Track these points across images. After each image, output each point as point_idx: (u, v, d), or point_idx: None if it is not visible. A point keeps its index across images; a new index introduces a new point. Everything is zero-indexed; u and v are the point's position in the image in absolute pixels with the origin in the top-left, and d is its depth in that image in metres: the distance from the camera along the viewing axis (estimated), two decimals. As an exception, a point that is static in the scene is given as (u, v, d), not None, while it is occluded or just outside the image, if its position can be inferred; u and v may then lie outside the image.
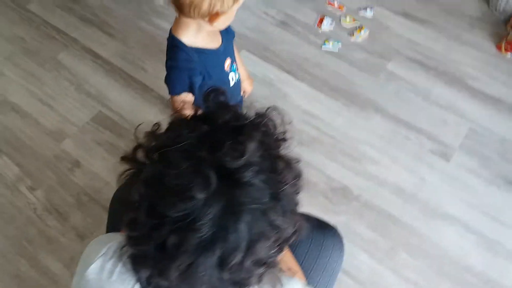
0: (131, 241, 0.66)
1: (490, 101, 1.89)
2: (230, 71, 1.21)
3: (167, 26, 2.04)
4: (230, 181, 0.61)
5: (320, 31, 2.12)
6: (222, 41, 1.16)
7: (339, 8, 2.20)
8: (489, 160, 1.71)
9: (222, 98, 0.74)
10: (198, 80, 1.09)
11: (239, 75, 1.27)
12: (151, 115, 1.82)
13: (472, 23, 2.15)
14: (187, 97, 1.11)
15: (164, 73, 1.15)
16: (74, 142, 1.75)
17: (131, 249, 0.67)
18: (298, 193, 0.73)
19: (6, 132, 1.78)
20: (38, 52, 2.02)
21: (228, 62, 1.19)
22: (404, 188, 1.65)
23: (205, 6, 0.97)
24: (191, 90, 1.10)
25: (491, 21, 2.16)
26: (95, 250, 0.77)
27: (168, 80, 1.11)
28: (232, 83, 1.22)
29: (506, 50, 2.02)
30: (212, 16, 1.00)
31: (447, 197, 1.63)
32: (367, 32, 2.11)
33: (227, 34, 1.17)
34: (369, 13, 2.19)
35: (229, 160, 0.61)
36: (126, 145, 1.71)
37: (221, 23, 1.04)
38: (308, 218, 1.25)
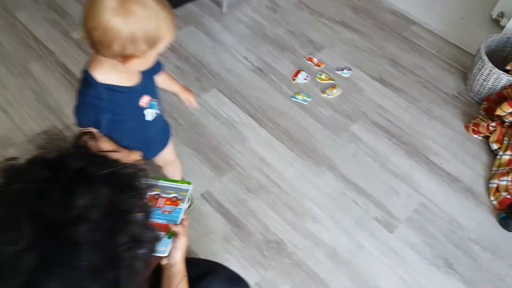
0: None
1: (448, 179, 1.84)
2: (147, 108, 1.14)
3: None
4: (52, 236, 0.55)
5: (293, 83, 2.13)
6: (142, 78, 1.09)
7: (318, 64, 2.23)
8: (433, 238, 1.65)
9: (87, 143, 0.68)
10: (104, 118, 1.04)
11: (160, 110, 1.21)
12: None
13: (446, 100, 2.16)
14: (93, 131, 1.05)
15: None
16: (18, 152, 1.72)
17: None
18: (147, 262, 0.64)
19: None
20: (11, 58, 2.05)
21: (145, 99, 1.12)
22: (340, 252, 1.58)
23: (115, 47, 0.91)
24: (96, 125, 1.05)
25: (465, 100, 2.16)
26: None
27: (76, 113, 1.05)
28: (150, 118, 1.16)
29: (473, 131, 2.00)
30: (125, 57, 0.95)
31: (382, 269, 1.55)
32: (339, 92, 2.12)
33: (149, 70, 1.07)
34: (345, 74, 2.20)
35: (53, 213, 0.55)
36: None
37: (137, 65, 0.98)
38: (222, 269, 1.19)
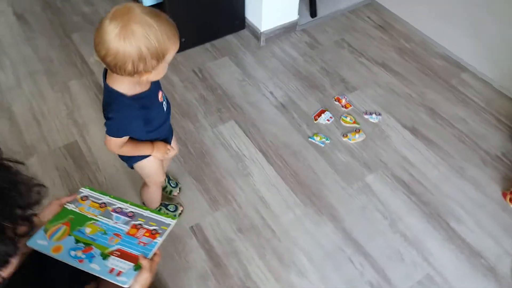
0: None
1: (467, 251, 1.61)
2: (163, 101, 1.30)
3: (177, 81, 2.17)
4: None
5: (314, 123, 2.05)
6: (152, 83, 1.22)
7: (345, 106, 2.12)
8: (433, 319, 1.44)
9: None
10: (139, 124, 1.22)
11: (166, 99, 1.35)
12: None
13: (486, 160, 1.91)
14: (125, 139, 1.24)
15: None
16: (38, 160, 1.86)
17: None
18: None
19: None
20: (56, 74, 2.24)
21: (160, 94, 1.28)
22: (319, 315, 1.45)
23: (129, 67, 1.02)
24: (129, 133, 1.22)
25: (510, 164, 1.90)
26: None
27: (111, 127, 1.18)
28: (165, 109, 1.32)
29: (511, 201, 1.74)
30: (140, 73, 1.05)
31: None
32: (362, 137, 1.98)
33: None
34: (374, 119, 2.06)
35: None
36: (80, 177, 1.77)
37: (152, 77, 1.10)
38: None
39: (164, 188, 1.74)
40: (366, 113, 2.09)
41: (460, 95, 2.19)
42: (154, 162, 1.42)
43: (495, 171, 1.87)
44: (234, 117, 2.06)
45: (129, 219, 1.30)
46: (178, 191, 1.76)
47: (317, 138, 1.98)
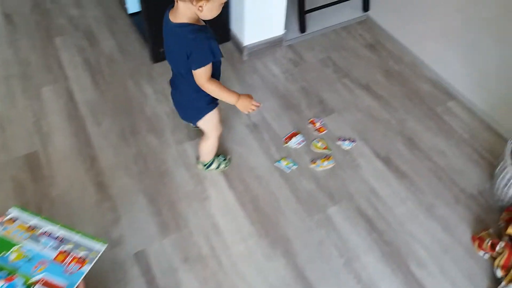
0: None
1: (424, 299, 1.51)
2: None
3: (150, 92, 2.12)
4: None
5: (284, 146, 1.97)
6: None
7: (319, 130, 2.03)
8: None
9: None
10: (217, 44, 1.37)
11: None
12: (80, 171, 1.84)
13: (459, 198, 1.80)
14: (210, 66, 1.38)
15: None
16: (-6, 169, 1.84)
17: None
18: None
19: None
20: (30, 79, 2.22)
21: None
22: None
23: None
24: (215, 54, 1.36)
25: (485, 204, 1.78)
26: None
27: (199, 56, 1.34)
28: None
29: (479, 247, 1.62)
30: (198, 3, 1.24)
31: None
32: (331, 165, 1.89)
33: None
34: (347, 145, 1.97)
35: None
36: (34, 190, 1.74)
37: (207, 13, 1.29)
38: None
39: (217, 168, 1.85)
40: (339, 139, 1.99)
41: (444, 125, 2.07)
42: (217, 115, 1.62)
43: (468, 211, 1.75)
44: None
45: (58, 243, 1.26)
46: (228, 158, 1.89)
47: (284, 163, 1.90)
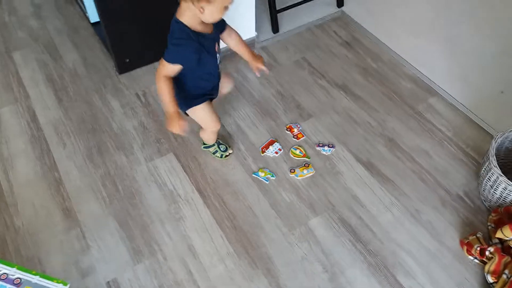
0: None
1: (413, 313, 1.44)
2: (218, 53, 1.50)
3: (117, 106, 2.00)
4: None
5: (261, 156, 1.87)
6: (213, 30, 1.42)
7: (297, 136, 1.94)
8: None
9: None
10: (193, 57, 1.38)
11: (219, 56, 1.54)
12: (45, 196, 1.72)
13: (445, 200, 1.72)
14: (176, 67, 1.39)
15: None
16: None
17: None
18: None
19: None
20: (-12, 100, 2.09)
21: (217, 46, 1.47)
22: None
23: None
24: (183, 63, 1.38)
25: (472, 205, 1.71)
26: None
27: (168, 51, 1.36)
28: (218, 61, 1.54)
29: (467, 252, 1.55)
30: (201, 3, 1.25)
31: None
32: (311, 173, 1.80)
33: (217, 26, 1.45)
34: (326, 151, 1.88)
35: None
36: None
37: (208, 16, 1.31)
38: None
39: (214, 153, 1.84)
40: (318, 145, 1.91)
41: (426, 123, 2.00)
42: (203, 111, 1.59)
43: (454, 214, 1.68)
44: (174, 149, 1.89)
45: (15, 287, 1.16)
46: (230, 152, 1.86)
47: (262, 174, 1.80)
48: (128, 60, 2.16)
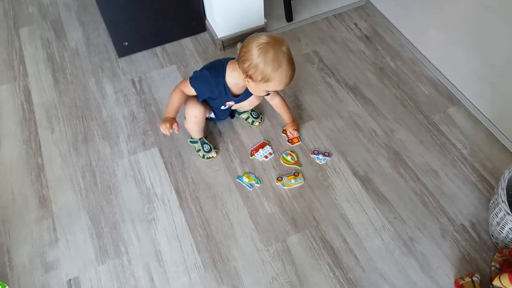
0: None
1: None
2: (226, 107, 1.63)
3: (110, 92, 1.93)
4: None
5: (250, 158, 1.74)
6: (241, 95, 1.56)
7: (292, 140, 1.78)
8: None
9: None
10: (207, 95, 1.52)
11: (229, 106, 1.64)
12: (25, 182, 1.70)
13: (446, 230, 1.52)
14: (193, 90, 1.50)
15: None
16: None
17: None
18: None
19: None
20: (-13, 77, 2.08)
21: (230, 103, 1.59)
22: None
23: (246, 65, 1.35)
24: (198, 92, 1.50)
25: (477, 238, 1.50)
26: None
27: (196, 75, 1.48)
28: (227, 111, 1.71)
29: (461, 293, 1.36)
30: (247, 75, 1.37)
31: None
32: (299, 183, 1.65)
33: (248, 94, 1.57)
34: (320, 160, 1.72)
35: None
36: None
37: (250, 86, 1.44)
38: None
39: (246, 119, 1.84)
40: (313, 152, 1.74)
41: (440, 137, 1.77)
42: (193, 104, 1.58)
43: (454, 248, 1.48)
44: (159, 143, 1.80)
45: None
46: (260, 121, 1.84)
47: (246, 179, 1.67)
48: (126, 43, 2.07)
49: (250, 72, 1.34)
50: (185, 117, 1.66)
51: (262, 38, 1.32)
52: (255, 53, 1.31)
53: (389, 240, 1.51)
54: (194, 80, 1.48)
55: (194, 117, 1.59)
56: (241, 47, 1.36)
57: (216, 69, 1.46)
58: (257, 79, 1.35)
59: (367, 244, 1.50)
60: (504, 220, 1.30)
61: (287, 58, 1.33)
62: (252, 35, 1.36)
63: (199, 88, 1.49)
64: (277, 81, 1.35)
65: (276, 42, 1.32)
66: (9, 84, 2.04)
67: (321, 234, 1.53)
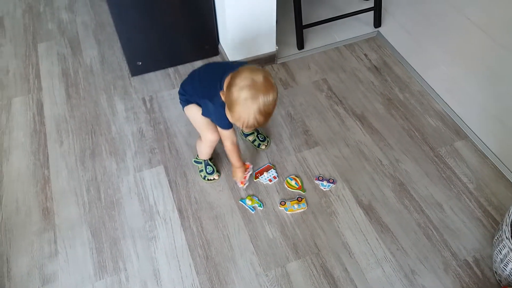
0: None
1: None
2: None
3: (121, 109, 1.96)
4: None
5: (254, 181, 1.74)
6: None
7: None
8: None
9: None
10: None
11: None
12: (30, 193, 1.71)
13: (449, 264, 1.49)
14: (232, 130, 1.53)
15: None
16: None
17: None
18: None
19: None
20: (4, 88, 2.13)
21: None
22: None
23: (227, 99, 1.33)
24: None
25: (481, 275, 1.47)
26: None
27: (221, 120, 1.46)
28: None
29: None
30: (226, 104, 1.35)
31: None
32: (302, 209, 1.64)
33: None
34: (325, 186, 1.71)
35: None
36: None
37: (227, 114, 1.38)
38: None
39: (253, 141, 1.85)
40: (318, 178, 1.74)
41: (446, 170, 1.76)
42: (197, 115, 1.57)
43: (456, 283, 1.45)
44: (165, 161, 1.81)
45: None
46: (266, 145, 1.84)
47: (249, 202, 1.67)
48: (140, 63, 2.12)
49: (227, 101, 1.32)
50: (199, 137, 1.68)
51: (247, 78, 1.28)
52: (236, 88, 1.27)
53: (391, 271, 1.48)
54: (220, 119, 1.46)
55: (210, 141, 1.62)
56: (231, 77, 1.33)
57: (221, 104, 1.41)
58: (229, 109, 1.32)
59: (368, 275, 1.48)
60: (508, 257, 1.28)
61: (262, 104, 1.27)
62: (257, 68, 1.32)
63: (224, 117, 1.42)
64: (236, 114, 1.29)
65: (266, 90, 1.27)
66: (23, 96, 2.09)
67: (322, 262, 1.51)
